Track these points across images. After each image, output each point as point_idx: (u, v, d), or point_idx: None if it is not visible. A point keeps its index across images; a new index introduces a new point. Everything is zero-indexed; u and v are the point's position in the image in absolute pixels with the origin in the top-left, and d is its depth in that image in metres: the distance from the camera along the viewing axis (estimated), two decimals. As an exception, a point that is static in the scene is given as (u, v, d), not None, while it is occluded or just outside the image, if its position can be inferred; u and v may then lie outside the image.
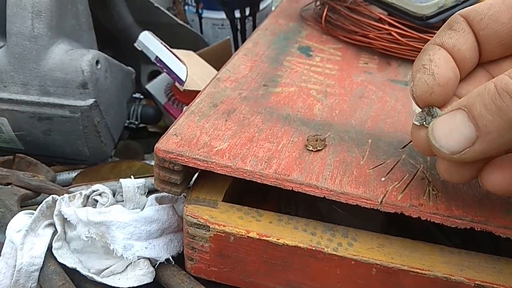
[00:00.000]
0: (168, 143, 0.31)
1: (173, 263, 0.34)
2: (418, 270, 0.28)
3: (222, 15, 0.69)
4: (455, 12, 0.46)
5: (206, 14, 0.69)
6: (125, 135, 0.60)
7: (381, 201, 0.29)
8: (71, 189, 0.43)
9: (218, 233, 0.30)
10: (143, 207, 0.36)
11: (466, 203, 0.29)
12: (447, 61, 0.26)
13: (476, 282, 0.27)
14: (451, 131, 0.24)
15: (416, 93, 0.27)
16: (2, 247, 0.33)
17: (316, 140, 0.33)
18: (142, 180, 0.38)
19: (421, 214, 0.28)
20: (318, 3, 0.57)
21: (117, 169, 0.50)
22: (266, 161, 0.31)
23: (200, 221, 0.31)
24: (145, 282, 0.33)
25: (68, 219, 0.34)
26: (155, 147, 0.31)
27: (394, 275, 0.29)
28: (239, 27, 0.70)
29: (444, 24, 0.28)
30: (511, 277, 0.28)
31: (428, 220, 0.28)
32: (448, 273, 0.28)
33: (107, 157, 0.52)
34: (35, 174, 0.43)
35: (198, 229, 0.31)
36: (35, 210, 0.35)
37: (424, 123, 0.26)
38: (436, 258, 0.29)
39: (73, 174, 0.49)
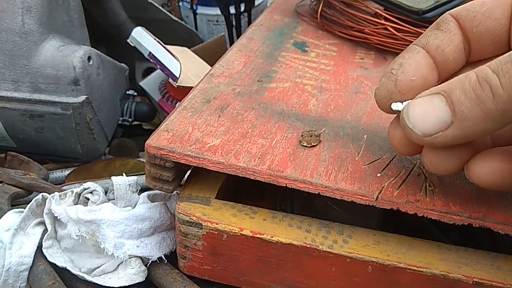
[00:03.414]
0: (159, 139, 0.31)
1: (165, 261, 0.34)
2: (415, 268, 0.28)
3: (217, 11, 0.68)
4: (452, 6, 0.46)
5: (201, 10, 0.69)
6: (119, 133, 0.59)
7: (377, 197, 0.28)
8: (64, 187, 0.42)
9: (211, 231, 0.30)
10: (135, 205, 0.35)
11: (463, 199, 0.28)
12: (419, 67, 0.26)
13: (474, 280, 0.27)
14: (426, 113, 0.24)
15: (376, 96, 0.27)
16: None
17: (311, 136, 0.32)
18: (134, 178, 0.37)
19: (418, 210, 0.28)
20: (313, -2, 0.56)
21: (111, 167, 0.50)
22: (260, 157, 0.30)
23: (192, 219, 0.30)
24: (136, 282, 0.32)
25: (58, 218, 0.33)
26: (146, 144, 0.30)
27: (391, 273, 0.28)
28: (234, 23, 0.70)
29: (433, 23, 0.28)
30: (509, 274, 0.27)
31: (425, 216, 0.28)
32: (446, 271, 0.27)
33: (101, 155, 0.52)
34: (27, 172, 0.43)
35: (191, 227, 0.30)
36: (25, 208, 0.34)
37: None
38: (434, 255, 0.28)
39: (66, 172, 0.48)
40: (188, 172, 0.34)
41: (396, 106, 0.26)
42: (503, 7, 0.26)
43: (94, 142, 0.48)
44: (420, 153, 0.26)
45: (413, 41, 0.45)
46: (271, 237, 0.29)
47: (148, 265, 0.33)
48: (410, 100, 0.25)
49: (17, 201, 0.41)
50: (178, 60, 0.51)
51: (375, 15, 0.48)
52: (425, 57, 0.27)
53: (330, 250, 0.28)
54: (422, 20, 0.45)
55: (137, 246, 0.32)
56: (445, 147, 0.25)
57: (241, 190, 0.37)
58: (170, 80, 0.51)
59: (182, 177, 0.34)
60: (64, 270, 0.32)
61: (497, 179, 0.24)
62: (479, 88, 0.22)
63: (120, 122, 0.55)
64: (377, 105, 0.27)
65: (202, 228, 0.30)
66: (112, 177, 0.37)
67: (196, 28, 0.71)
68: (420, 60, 0.26)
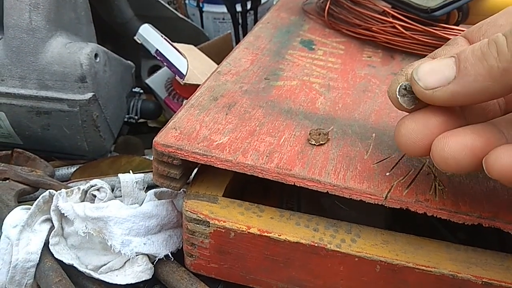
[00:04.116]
0: (167, 137, 0.30)
1: (172, 259, 0.33)
2: (423, 267, 0.27)
3: (223, 9, 0.68)
4: (460, 4, 0.45)
5: (207, 8, 0.68)
6: (125, 130, 0.59)
7: (386, 197, 0.28)
8: (70, 184, 0.42)
9: (218, 229, 0.30)
10: (142, 203, 0.35)
11: (473, 198, 0.28)
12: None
13: (484, 280, 0.27)
14: (433, 70, 0.25)
15: (388, 93, 0.28)
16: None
17: (319, 134, 0.32)
18: (140, 175, 0.37)
19: (427, 209, 0.27)
20: (320, -4, 0.56)
21: (117, 164, 0.50)
22: (268, 155, 0.30)
23: (200, 217, 0.30)
24: (143, 279, 0.32)
25: (65, 215, 0.33)
26: (153, 141, 0.30)
27: (399, 272, 0.28)
28: (240, 21, 0.69)
29: (444, 45, 0.29)
30: (519, 274, 0.27)
31: (435, 216, 0.27)
32: (455, 271, 0.27)
33: (107, 152, 0.51)
34: (33, 169, 0.43)
35: (198, 225, 0.30)
36: (32, 205, 0.34)
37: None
38: (442, 255, 0.28)
39: (72, 169, 0.48)
40: (196, 169, 0.34)
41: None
42: (506, 15, 0.27)
43: (100, 139, 0.48)
44: (426, 155, 0.25)
45: (421, 39, 0.45)
46: (278, 235, 0.29)
47: (154, 263, 0.33)
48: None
49: (23, 198, 0.41)
50: (185, 58, 0.51)
51: (383, 13, 0.47)
52: None
53: (338, 249, 0.28)
54: (430, 18, 0.45)
55: (144, 244, 0.32)
56: (458, 139, 0.24)
57: (247, 188, 0.37)
58: (177, 77, 0.51)
59: (189, 174, 0.33)
60: (71, 267, 0.32)
61: None
62: (486, 47, 0.23)
63: (126, 119, 0.55)
64: (390, 100, 0.27)
65: (209, 226, 0.30)
66: (119, 175, 0.37)
67: (202, 26, 0.70)
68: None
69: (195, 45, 0.62)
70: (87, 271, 0.32)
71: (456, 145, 0.24)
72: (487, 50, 0.23)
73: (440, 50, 0.28)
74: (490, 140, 0.24)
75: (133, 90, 0.57)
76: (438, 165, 0.24)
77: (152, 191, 0.36)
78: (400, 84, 0.26)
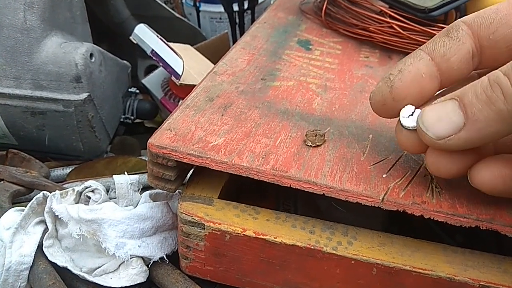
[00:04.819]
0: (162, 138, 0.30)
1: (167, 262, 0.33)
2: (420, 270, 0.27)
3: (220, 8, 0.68)
4: (458, 4, 0.45)
5: (204, 7, 0.68)
6: (121, 131, 0.59)
7: (383, 199, 0.28)
8: (65, 185, 0.42)
9: (213, 231, 0.29)
10: (137, 204, 0.35)
11: (470, 200, 0.28)
12: (418, 75, 0.26)
13: (481, 283, 0.26)
14: (439, 117, 0.24)
15: (370, 99, 0.28)
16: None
17: (315, 135, 0.32)
18: (135, 177, 0.37)
19: (424, 212, 0.27)
20: (318, -4, 0.56)
21: (113, 165, 0.49)
22: (263, 157, 0.30)
23: (195, 219, 0.30)
24: (138, 282, 0.32)
25: (59, 216, 0.33)
26: (148, 142, 0.30)
27: (396, 275, 0.28)
28: (237, 20, 0.69)
29: (444, 29, 0.27)
30: (517, 277, 0.27)
31: (432, 218, 0.27)
32: (452, 273, 0.27)
33: (102, 153, 0.51)
34: (28, 170, 0.42)
35: (193, 227, 0.30)
36: (26, 207, 0.34)
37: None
38: (439, 258, 0.28)
39: (68, 170, 0.48)
40: (191, 171, 0.34)
41: (406, 122, 0.26)
42: None
43: (96, 140, 0.47)
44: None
45: (418, 40, 0.45)
46: (274, 238, 0.29)
47: (149, 265, 0.33)
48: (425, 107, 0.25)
49: (17, 199, 0.40)
50: (181, 58, 0.51)
51: (380, 13, 0.47)
52: (427, 65, 0.26)
53: (334, 252, 0.28)
54: (428, 18, 0.45)
55: (139, 246, 0.32)
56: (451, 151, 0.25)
57: (243, 189, 0.36)
58: (173, 78, 0.50)
59: (184, 176, 0.33)
60: (65, 269, 0.32)
61: (498, 185, 0.25)
62: (490, 90, 0.22)
63: (122, 120, 0.55)
64: (371, 108, 0.28)
65: (204, 228, 0.29)
66: (114, 176, 0.36)
67: (199, 26, 0.70)
68: (421, 68, 0.26)
69: (192, 45, 0.61)
70: (81, 273, 0.32)
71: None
72: (492, 94, 0.22)
73: (439, 45, 0.26)
74: None
75: (129, 90, 0.56)
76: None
77: (147, 192, 0.35)
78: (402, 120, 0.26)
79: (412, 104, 0.26)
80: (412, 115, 0.26)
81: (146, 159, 0.50)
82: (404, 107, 0.26)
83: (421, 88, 0.26)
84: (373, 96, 0.28)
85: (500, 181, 0.25)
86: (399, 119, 0.27)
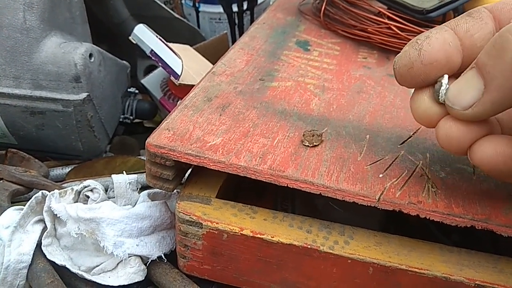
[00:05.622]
0: (160, 138, 0.30)
1: (165, 260, 0.33)
2: (416, 270, 0.27)
3: (219, 9, 0.68)
4: (456, 5, 0.45)
5: (203, 8, 0.68)
6: (121, 131, 0.59)
7: (379, 198, 0.28)
8: (64, 185, 0.42)
9: (211, 231, 0.30)
10: (135, 204, 0.35)
11: (466, 200, 0.28)
12: (446, 43, 0.25)
13: (476, 282, 0.27)
14: (461, 88, 0.24)
15: (395, 64, 0.26)
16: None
17: (313, 136, 0.32)
18: (134, 176, 0.37)
19: (420, 212, 0.27)
20: (316, -3, 0.56)
21: (111, 164, 0.50)
22: (261, 157, 0.30)
23: (192, 218, 0.30)
24: (136, 280, 0.32)
25: (58, 215, 0.33)
26: (146, 142, 0.30)
27: (392, 275, 0.28)
28: (236, 21, 0.69)
29: (465, 13, 0.27)
30: (512, 276, 0.27)
31: (427, 218, 0.27)
32: (448, 273, 0.27)
33: (101, 153, 0.51)
34: (27, 169, 0.43)
35: (191, 226, 0.30)
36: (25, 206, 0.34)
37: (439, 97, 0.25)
38: (435, 257, 0.28)
39: (67, 169, 0.48)
40: (189, 171, 0.34)
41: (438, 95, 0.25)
42: None
43: (95, 139, 0.48)
44: None
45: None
46: (271, 237, 0.29)
47: (147, 264, 0.33)
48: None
49: (17, 198, 0.41)
50: (180, 58, 0.51)
51: (379, 14, 0.47)
52: (453, 36, 0.26)
53: (331, 251, 0.28)
54: (426, 19, 0.45)
55: (137, 245, 0.32)
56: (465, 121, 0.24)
57: (241, 189, 0.37)
58: (172, 78, 0.51)
59: (182, 176, 0.33)
60: (63, 268, 0.32)
61: (499, 164, 0.24)
62: (499, 41, 0.22)
63: (121, 119, 0.55)
64: (394, 75, 0.26)
65: (202, 228, 0.30)
66: (113, 175, 0.36)
67: (199, 26, 0.70)
68: (447, 38, 0.25)
69: (191, 45, 0.62)
70: (80, 272, 0.32)
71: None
72: (500, 45, 0.22)
73: (462, 21, 0.26)
74: None
75: (129, 90, 0.56)
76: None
77: (146, 192, 0.36)
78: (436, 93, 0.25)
79: (437, 74, 0.26)
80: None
81: (145, 159, 0.50)
82: (430, 74, 0.25)
83: (448, 56, 0.25)
84: (399, 61, 0.26)
85: (501, 160, 0.24)
86: (423, 91, 0.26)
